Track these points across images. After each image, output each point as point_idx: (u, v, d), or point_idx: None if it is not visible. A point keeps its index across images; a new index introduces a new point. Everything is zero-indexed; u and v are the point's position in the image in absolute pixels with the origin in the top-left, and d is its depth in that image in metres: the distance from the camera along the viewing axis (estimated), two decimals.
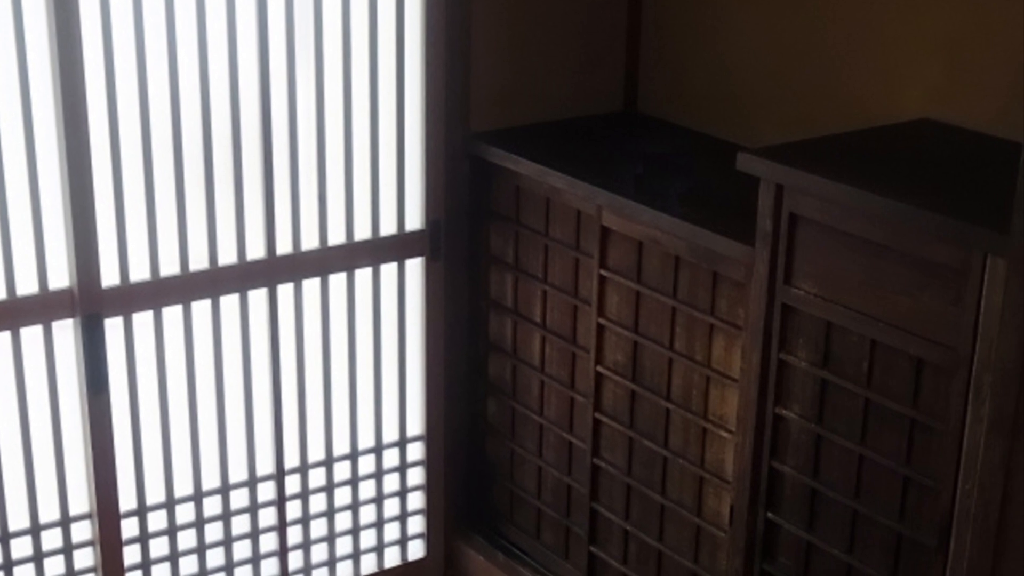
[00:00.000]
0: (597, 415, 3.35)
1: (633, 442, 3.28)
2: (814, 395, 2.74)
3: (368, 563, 3.77)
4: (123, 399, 3.24)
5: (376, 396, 3.64)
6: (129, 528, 3.33)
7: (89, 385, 3.15)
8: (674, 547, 3.24)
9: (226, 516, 3.47)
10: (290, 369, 3.46)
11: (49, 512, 3.22)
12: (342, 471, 3.63)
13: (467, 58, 3.49)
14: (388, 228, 3.52)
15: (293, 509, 3.58)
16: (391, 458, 3.72)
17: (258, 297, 3.36)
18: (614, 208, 3.14)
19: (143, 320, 3.22)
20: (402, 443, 3.72)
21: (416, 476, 3.78)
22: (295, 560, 3.63)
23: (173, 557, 3.42)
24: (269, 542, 3.57)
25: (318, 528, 3.64)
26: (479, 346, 3.71)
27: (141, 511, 3.34)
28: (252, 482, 3.48)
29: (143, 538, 3.36)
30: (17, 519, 3.19)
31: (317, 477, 3.59)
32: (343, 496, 3.66)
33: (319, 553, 3.67)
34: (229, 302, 3.32)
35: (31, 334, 3.09)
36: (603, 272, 3.23)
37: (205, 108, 3.16)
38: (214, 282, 3.27)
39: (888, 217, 2.49)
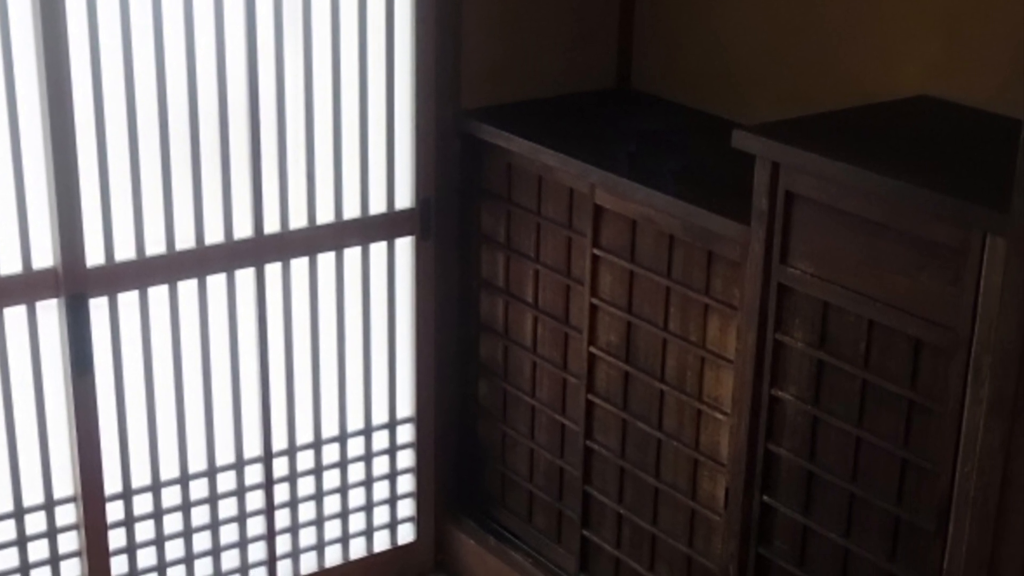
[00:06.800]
0: (590, 397, 3.33)
1: (627, 424, 3.26)
2: (810, 376, 2.72)
3: (357, 547, 3.75)
4: (108, 380, 3.21)
5: (365, 377, 3.61)
6: (114, 511, 3.31)
7: (74, 366, 3.13)
8: (668, 531, 3.21)
9: (213, 499, 3.45)
10: (278, 350, 3.43)
11: (33, 495, 3.20)
12: (331, 453, 3.61)
13: (458, 34, 3.46)
14: (378, 207, 3.49)
15: (281, 492, 3.56)
16: (380, 440, 3.69)
17: (245, 277, 3.33)
18: (607, 186, 3.11)
19: (128, 300, 3.19)
20: (392, 425, 3.69)
21: (406, 459, 3.75)
22: (283, 544, 3.61)
23: (159, 541, 3.40)
24: (257, 526, 3.54)
25: (306, 511, 3.62)
26: (470, 326, 3.68)
27: (126, 494, 3.31)
28: (239, 465, 3.46)
29: (128, 522, 3.34)
30: (0, 502, 3.15)
31: (305, 459, 3.57)
32: (332, 479, 3.64)
33: (307, 537, 3.65)
34: (216, 282, 3.30)
35: (14, 314, 3.07)
36: (596, 251, 3.20)
37: (191, 85, 3.14)
38: (200, 261, 3.24)
39: (886, 195, 2.47)
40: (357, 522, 3.73)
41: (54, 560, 3.26)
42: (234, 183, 3.24)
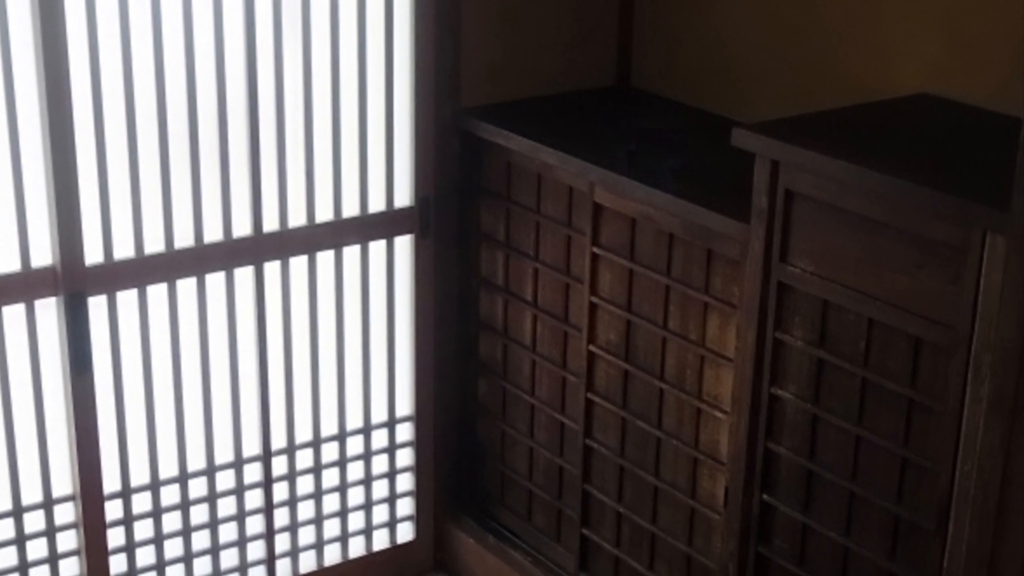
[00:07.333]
0: (589, 395, 3.32)
1: (626, 423, 3.25)
2: (810, 375, 2.71)
3: (356, 546, 3.74)
4: (107, 379, 3.21)
5: (364, 376, 3.60)
6: (113, 510, 3.30)
7: (72, 365, 3.12)
8: (668, 529, 3.21)
9: (212, 498, 3.44)
10: (277, 348, 3.42)
11: (32, 494, 3.19)
12: (330, 452, 3.60)
13: (457, 32, 3.45)
14: (377, 205, 3.48)
15: (280, 491, 3.55)
16: (380, 439, 3.69)
17: (244, 275, 3.32)
18: (607, 184, 3.10)
19: (127, 298, 3.18)
20: (391, 424, 3.69)
21: (405, 457, 3.74)
22: (282, 543, 3.60)
23: (158, 539, 3.39)
24: (255, 524, 3.54)
25: (305, 510, 3.61)
26: (469, 325, 3.67)
27: (125, 493, 3.31)
28: (238, 463, 3.45)
29: (127, 520, 3.33)
30: None
31: (304, 458, 3.56)
32: (331, 478, 3.63)
33: (306, 536, 3.64)
34: (215, 280, 3.29)
35: (13, 313, 3.06)
36: (596, 250, 3.20)
37: (190, 83, 3.13)
38: (199, 260, 3.24)
39: (886, 194, 2.46)
40: (356, 521, 3.72)
41: (53, 559, 3.25)
42: (233, 181, 3.23)
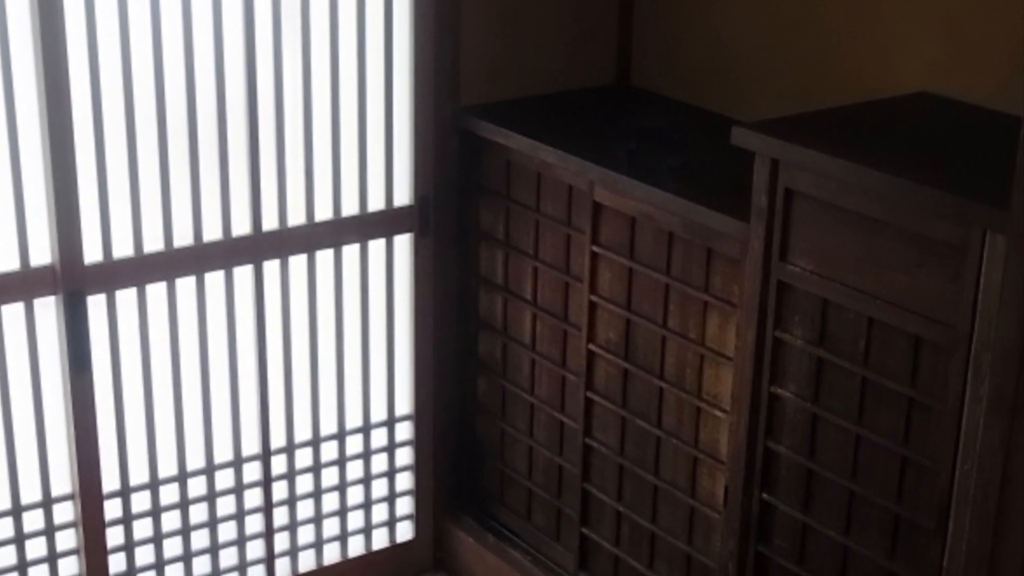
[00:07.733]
0: (589, 394, 3.32)
1: (626, 422, 3.25)
2: (810, 374, 2.71)
3: (356, 545, 3.73)
4: (106, 378, 3.20)
5: (364, 375, 3.60)
6: (112, 509, 3.30)
7: (72, 363, 3.12)
8: (667, 528, 3.21)
9: (211, 497, 3.44)
10: (276, 347, 3.42)
11: (31, 493, 3.19)
12: (329, 451, 3.60)
13: (457, 31, 3.45)
14: (376, 204, 3.48)
15: (279, 490, 3.55)
16: (379, 438, 3.68)
17: (244, 274, 3.32)
18: (607, 183, 3.10)
19: (126, 297, 3.18)
20: (390, 423, 3.68)
21: (405, 456, 3.74)
22: (281, 542, 3.60)
23: (157, 538, 3.39)
24: (255, 523, 3.53)
25: (305, 509, 3.61)
26: (469, 324, 3.67)
27: (124, 492, 3.30)
28: (238, 462, 3.45)
29: (126, 519, 3.33)
30: None
31: (304, 457, 3.56)
32: (330, 477, 3.62)
33: (306, 535, 3.64)
34: (214, 279, 3.29)
35: (12, 311, 3.06)
36: (595, 248, 3.19)
37: (190, 81, 3.13)
38: (199, 259, 3.24)
39: (886, 192, 2.46)
40: (356, 520, 3.72)
41: (52, 558, 3.25)
42: (232, 180, 3.23)
